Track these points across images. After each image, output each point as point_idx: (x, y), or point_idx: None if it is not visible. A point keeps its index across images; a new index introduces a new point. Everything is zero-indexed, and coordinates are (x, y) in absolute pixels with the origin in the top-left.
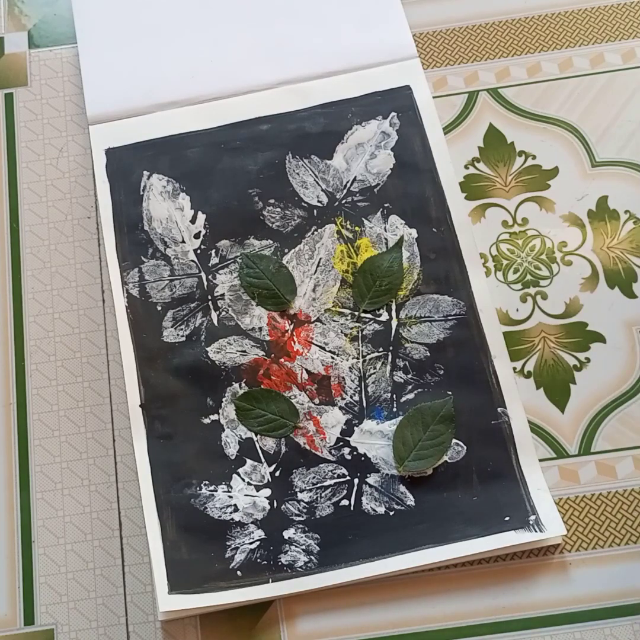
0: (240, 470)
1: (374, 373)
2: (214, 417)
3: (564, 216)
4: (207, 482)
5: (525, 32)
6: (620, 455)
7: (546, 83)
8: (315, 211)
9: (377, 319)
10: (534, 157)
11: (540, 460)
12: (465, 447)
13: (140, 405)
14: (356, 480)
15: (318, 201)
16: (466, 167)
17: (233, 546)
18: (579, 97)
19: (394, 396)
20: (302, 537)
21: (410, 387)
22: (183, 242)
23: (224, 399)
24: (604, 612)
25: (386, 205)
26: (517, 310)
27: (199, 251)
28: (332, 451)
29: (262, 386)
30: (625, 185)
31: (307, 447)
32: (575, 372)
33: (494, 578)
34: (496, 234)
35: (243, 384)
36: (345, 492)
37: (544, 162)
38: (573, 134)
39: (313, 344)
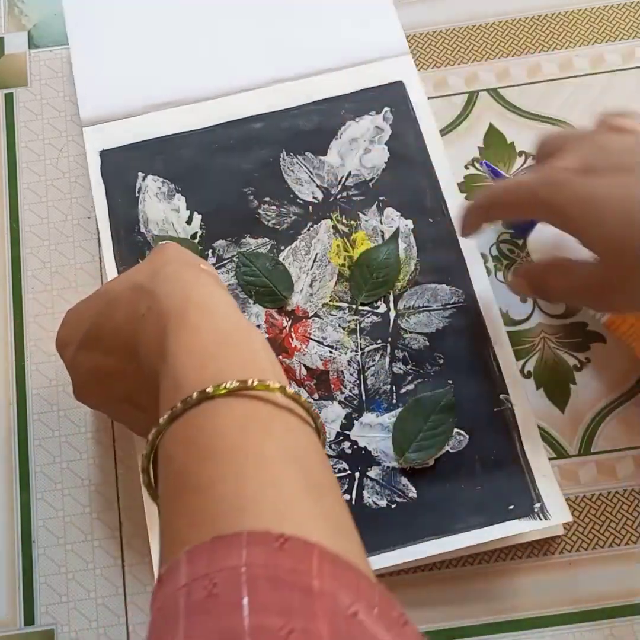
0: None
1: (373, 365)
2: None
3: None
4: None
5: (525, 32)
6: (620, 455)
7: (546, 83)
8: (310, 207)
9: (375, 311)
10: (534, 157)
11: None
12: (467, 436)
13: None
14: (357, 474)
15: (313, 197)
16: (466, 167)
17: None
18: (579, 97)
19: (394, 388)
20: None
21: (410, 377)
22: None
23: None
24: (604, 612)
25: (381, 198)
26: (518, 310)
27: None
28: (332, 446)
29: None
30: None
31: None
32: (575, 372)
33: (494, 578)
34: (496, 234)
35: None
36: (346, 486)
37: None
38: None
39: (311, 339)
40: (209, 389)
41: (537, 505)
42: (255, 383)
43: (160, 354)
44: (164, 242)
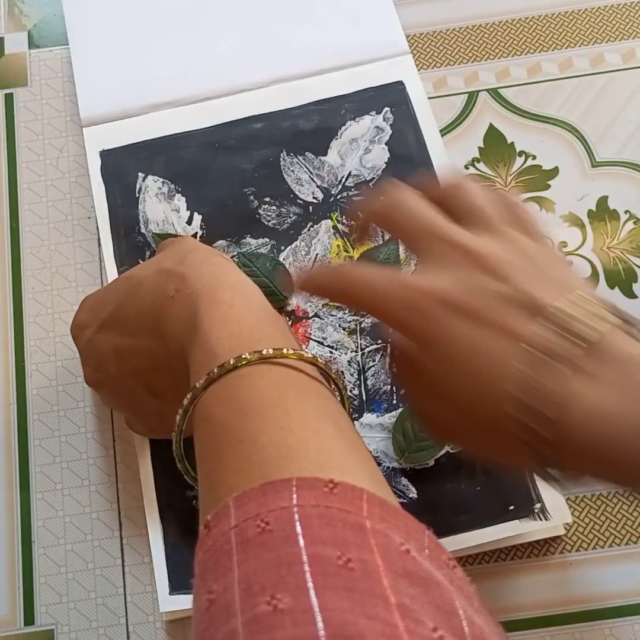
0: None
1: (374, 365)
2: None
3: (564, 216)
4: None
5: (525, 32)
6: None
7: (546, 83)
8: (310, 208)
9: None
10: (534, 157)
11: None
12: None
13: None
14: None
15: (313, 197)
16: (466, 167)
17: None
18: (579, 97)
19: (394, 388)
20: None
21: None
22: None
23: None
24: (604, 612)
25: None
26: None
27: None
28: None
29: None
30: (625, 185)
31: None
32: None
33: (494, 578)
34: None
35: None
36: None
37: (544, 162)
38: (573, 134)
39: (311, 339)
40: (246, 355)
41: (537, 505)
42: (290, 352)
43: (191, 328)
44: (183, 236)
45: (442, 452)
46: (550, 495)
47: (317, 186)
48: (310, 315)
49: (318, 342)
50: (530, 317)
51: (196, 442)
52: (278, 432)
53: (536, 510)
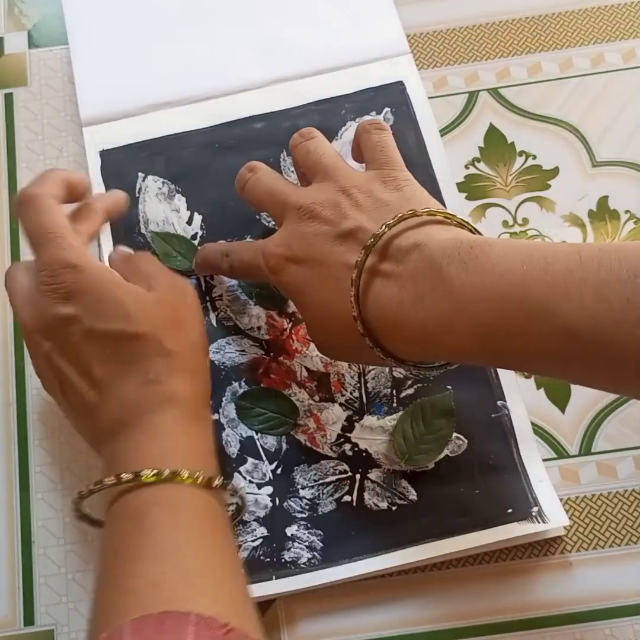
0: (241, 468)
1: (374, 368)
2: (215, 416)
3: (564, 216)
4: None
5: (525, 32)
6: (620, 456)
7: (546, 83)
8: None
9: None
10: (534, 157)
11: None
12: (466, 441)
13: None
14: (358, 476)
15: None
16: (466, 167)
17: (236, 544)
18: (579, 97)
19: (394, 391)
20: (305, 533)
21: (410, 382)
22: None
23: (224, 399)
24: (604, 612)
25: None
26: None
27: None
28: (333, 448)
29: (261, 385)
30: (626, 185)
31: (308, 444)
32: None
33: (494, 578)
34: (497, 234)
35: (243, 383)
36: (347, 488)
37: (544, 162)
38: (573, 134)
39: (311, 341)
40: (146, 472)
41: (535, 508)
42: (186, 475)
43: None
44: (185, 281)
45: (442, 455)
46: (547, 499)
47: None
48: None
49: None
50: (355, 247)
51: (100, 538)
52: (156, 560)
53: (534, 514)
